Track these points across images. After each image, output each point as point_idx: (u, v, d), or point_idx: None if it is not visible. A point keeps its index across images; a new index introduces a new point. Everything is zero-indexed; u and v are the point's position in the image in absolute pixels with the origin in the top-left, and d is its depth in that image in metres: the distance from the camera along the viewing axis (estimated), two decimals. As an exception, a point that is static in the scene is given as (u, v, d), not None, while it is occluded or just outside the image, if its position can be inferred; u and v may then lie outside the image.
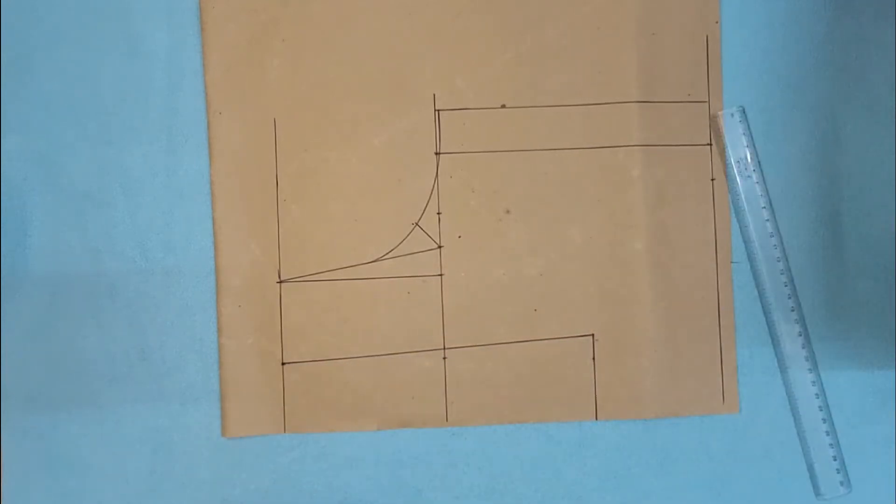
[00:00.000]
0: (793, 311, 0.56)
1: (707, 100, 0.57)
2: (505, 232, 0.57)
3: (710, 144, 0.57)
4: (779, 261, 0.56)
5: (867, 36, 0.57)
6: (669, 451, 0.54)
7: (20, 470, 0.56)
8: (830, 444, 0.56)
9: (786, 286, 0.56)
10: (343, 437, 0.56)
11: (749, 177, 0.57)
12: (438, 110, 0.57)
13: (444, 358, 0.56)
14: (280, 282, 0.56)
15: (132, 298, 0.56)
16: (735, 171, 0.57)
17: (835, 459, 0.56)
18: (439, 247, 0.57)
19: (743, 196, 0.56)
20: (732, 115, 0.57)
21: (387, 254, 0.57)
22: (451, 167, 0.57)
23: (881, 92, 0.57)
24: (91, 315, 0.56)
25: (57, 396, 0.56)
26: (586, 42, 0.57)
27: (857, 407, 0.57)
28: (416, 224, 0.57)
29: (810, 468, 0.56)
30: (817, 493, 0.56)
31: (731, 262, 0.57)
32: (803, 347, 0.56)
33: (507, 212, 0.57)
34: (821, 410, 0.56)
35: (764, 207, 0.56)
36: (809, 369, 0.56)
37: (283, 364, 0.56)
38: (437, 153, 0.57)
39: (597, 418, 0.56)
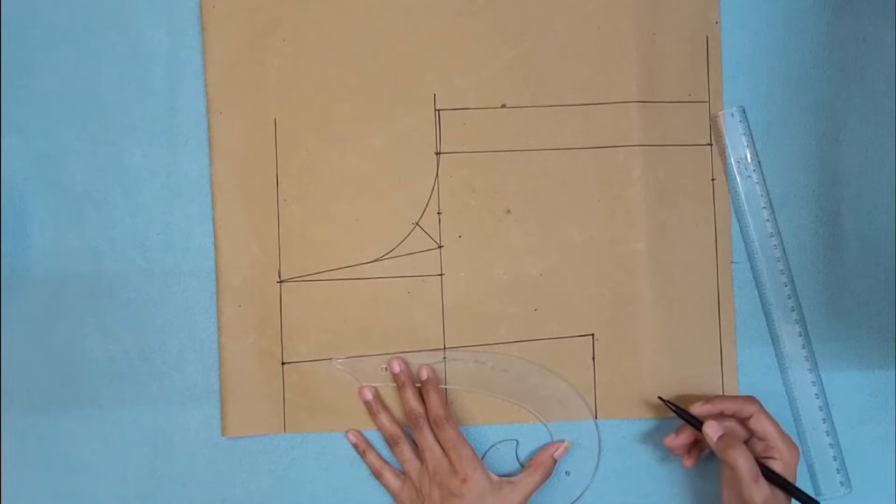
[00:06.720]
0: (793, 311, 0.56)
1: (707, 100, 0.57)
2: (505, 232, 0.57)
3: (711, 144, 0.57)
4: (779, 261, 0.56)
5: (867, 36, 0.57)
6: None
7: (20, 470, 0.56)
8: (830, 444, 0.56)
9: (786, 286, 0.56)
10: (343, 437, 0.56)
11: (749, 177, 0.57)
12: (438, 110, 0.57)
13: (444, 358, 0.56)
14: (280, 282, 0.56)
15: (132, 298, 0.56)
16: (735, 171, 0.57)
17: (835, 459, 0.56)
18: (439, 247, 0.57)
19: (743, 196, 0.56)
20: (732, 115, 0.57)
21: (387, 254, 0.57)
22: (452, 167, 0.57)
23: (881, 92, 0.57)
24: (91, 315, 0.56)
25: (57, 396, 0.56)
26: (586, 42, 0.57)
27: (857, 407, 0.57)
28: (417, 224, 0.57)
29: (810, 468, 0.56)
30: (817, 493, 0.56)
31: (731, 262, 0.57)
32: (803, 347, 0.56)
33: (508, 212, 0.57)
34: (821, 410, 0.56)
35: (764, 207, 0.56)
36: (809, 369, 0.56)
37: (282, 364, 0.56)
38: (437, 153, 0.57)
39: (597, 418, 0.56)
